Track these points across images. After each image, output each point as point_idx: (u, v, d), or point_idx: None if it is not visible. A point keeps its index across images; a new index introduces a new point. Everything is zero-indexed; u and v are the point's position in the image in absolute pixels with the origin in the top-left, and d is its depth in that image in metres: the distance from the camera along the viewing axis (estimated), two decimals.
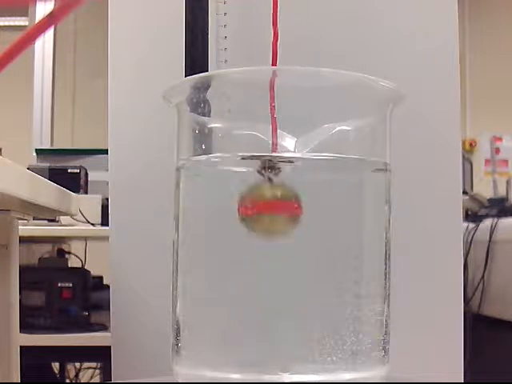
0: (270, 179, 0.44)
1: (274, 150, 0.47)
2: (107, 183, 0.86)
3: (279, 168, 0.45)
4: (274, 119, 0.47)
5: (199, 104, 0.50)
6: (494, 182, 2.59)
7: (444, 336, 0.83)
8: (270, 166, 0.45)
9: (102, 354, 1.10)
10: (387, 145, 0.51)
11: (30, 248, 1.84)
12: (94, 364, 2.12)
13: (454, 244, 0.84)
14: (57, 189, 0.81)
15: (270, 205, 0.44)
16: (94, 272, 1.75)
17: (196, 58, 0.76)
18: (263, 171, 0.45)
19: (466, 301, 2.01)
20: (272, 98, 0.47)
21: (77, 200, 0.96)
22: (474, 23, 3.64)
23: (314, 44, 0.83)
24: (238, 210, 0.44)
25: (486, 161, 2.71)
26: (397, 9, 0.85)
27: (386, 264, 0.49)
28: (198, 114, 0.50)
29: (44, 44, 2.71)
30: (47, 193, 0.75)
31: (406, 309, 0.77)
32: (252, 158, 0.47)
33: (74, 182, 1.71)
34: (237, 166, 0.48)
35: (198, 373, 0.47)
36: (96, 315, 1.62)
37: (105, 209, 1.64)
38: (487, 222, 2.10)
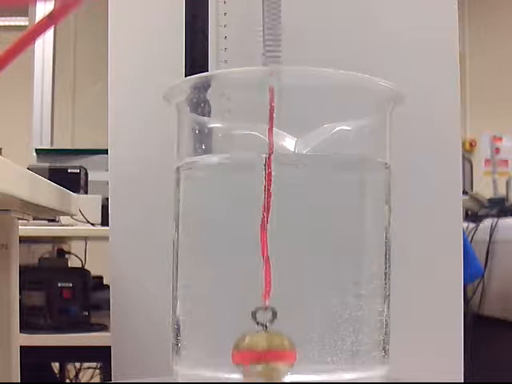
0: (265, 327, 0.44)
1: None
2: (107, 183, 0.86)
3: (275, 314, 0.44)
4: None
5: (199, 104, 0.50)
6: (494, 182, 2.59)
7: (444, 336, 0.83)
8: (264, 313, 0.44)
9: (102, 354, 1.10)
10: (387, 145, 0.51)
11: (30, 248, 1.84)
12: (94, 364, 2.12)
13: (454, 244, 0.84)
14: (57, 189, 0.81)
15: (265, 354, 0.43)
16: (94, 272, 1.75)
17: (196, 58, 0.76)
18: (258, 319, 0.44)
19: (466, 301, 2.01)
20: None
21: (77, 200, 0.96)
22: (473, 23, 3.64)
23: (314, 44, 0.83)
24: (233, 356, 0.44)
25: (486, 161, 2.71)
26: (397, 9, 0.85)
27: (386, 264, 0.49)
28: (198, 113, 0.50)
29: (44, 44, 2.71)
30: (47, 193, 0.75)
31: (406, 309, 0.77)
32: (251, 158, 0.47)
33: (74, 182, 1.71)
34: (236, 165, 0.48)
35: (198, 373, 0.47)
36: (96, 315, 1.62)
37: (105, 209, 1.64)
38: (487, 222, 2.10)
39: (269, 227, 0.46)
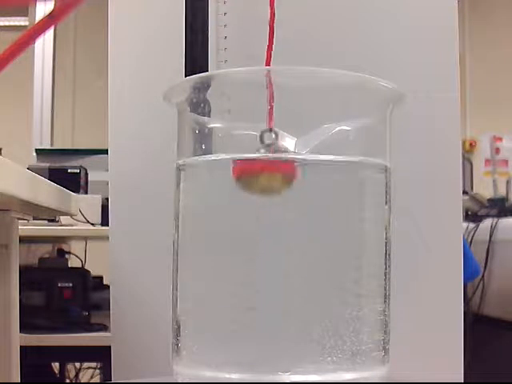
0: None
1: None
2: (107, 183, 0.86)
3: (277, 135, 0.45)
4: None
5: (199, 104, 0.50)
6: (494, 181, 2.59)
7: (444, 336, 0.83)
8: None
9: (102, 354, 1.10)
10: (387, 145, 0.51)
11: (30, 248, 1.84)
12: (94, 364, 2.12)
13: (454, 244, 0.84)
14: (57, 189, 0.81)
15: (266, 164, 0.44)
16: (94, 272, 1.75)
17: (196, 58, 0.76)
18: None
19: (466, 301, 2.01)
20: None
21: (77, 200, 0.96)
22: (474, 23, 3.64)
23: (314, 44, 0.83)
24: (233, 170, 0.44)
25: (486, 161, 2.71)
26: (397, 9, 0.85)
27: (385, 264, 0.49)
28: (198, 113, 0.50)
29: (44, 44, 2.71)
30: (47, 193, 0.75)
31: (406, 309, 0.77)
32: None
33: (74, 181, 1.71)
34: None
35: (198, 373, 0.47)
36: (96, 315, 1.62)
37: (105, 209, 1.64)
38: (487, 222, 2.10)
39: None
